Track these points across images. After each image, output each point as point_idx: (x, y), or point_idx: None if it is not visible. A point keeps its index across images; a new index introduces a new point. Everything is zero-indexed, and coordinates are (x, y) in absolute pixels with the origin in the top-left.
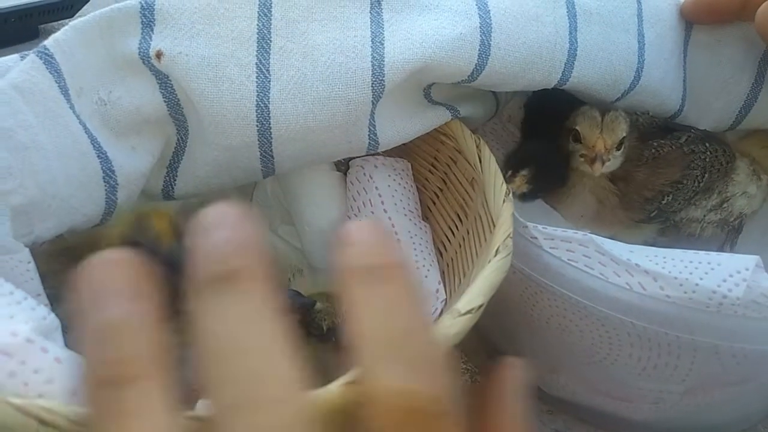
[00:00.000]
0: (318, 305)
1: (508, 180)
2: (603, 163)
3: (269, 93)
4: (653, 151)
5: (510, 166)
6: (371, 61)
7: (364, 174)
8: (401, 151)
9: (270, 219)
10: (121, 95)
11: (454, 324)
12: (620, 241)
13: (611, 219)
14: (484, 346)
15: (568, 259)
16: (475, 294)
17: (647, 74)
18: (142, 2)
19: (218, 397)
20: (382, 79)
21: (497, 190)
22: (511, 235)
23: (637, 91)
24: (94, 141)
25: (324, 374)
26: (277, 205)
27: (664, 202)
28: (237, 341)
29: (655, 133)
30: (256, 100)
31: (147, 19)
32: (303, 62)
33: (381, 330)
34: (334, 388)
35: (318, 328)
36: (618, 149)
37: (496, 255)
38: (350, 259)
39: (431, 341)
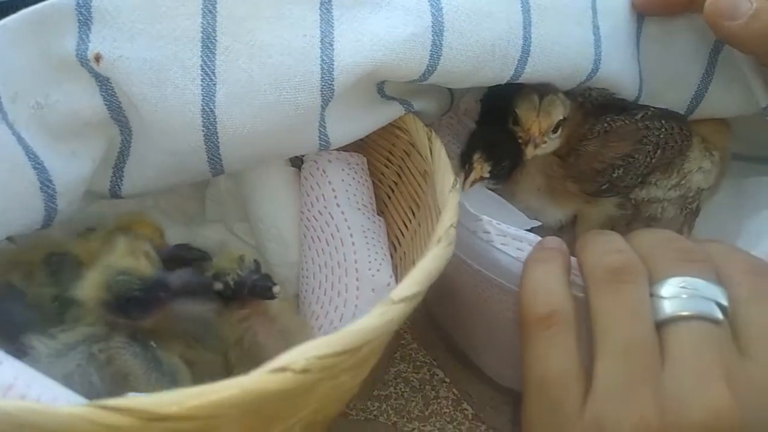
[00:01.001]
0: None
1: (468, 172)
2: (536, 146)
3: (215, 97)
4: (605, 125)
5: (464, 159)
6: (320, 65)
7: (318, 169)
8: (356, 145)
9: (224, 216)
10: (59, 99)
11: (386, 312)
12: (582, 218)
13: (562, 191)
14: (442, 339)
15: (517, 257)
16: (410, 282)
17: (605, 65)
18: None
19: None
20: (331, 83)
21: (445, 180)
22: (454, 225)
23: (595, 81)
24: (29, 151)
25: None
26: (231, 201)
27: (614, 175)
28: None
29: (608, 107)
30: (202, 105)
31: (83, 17)
32: (250, 64)
33: None
34: (261, 375)
35: (227, 294)
36: (554, 132)
37: (437, 244)
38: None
39: None
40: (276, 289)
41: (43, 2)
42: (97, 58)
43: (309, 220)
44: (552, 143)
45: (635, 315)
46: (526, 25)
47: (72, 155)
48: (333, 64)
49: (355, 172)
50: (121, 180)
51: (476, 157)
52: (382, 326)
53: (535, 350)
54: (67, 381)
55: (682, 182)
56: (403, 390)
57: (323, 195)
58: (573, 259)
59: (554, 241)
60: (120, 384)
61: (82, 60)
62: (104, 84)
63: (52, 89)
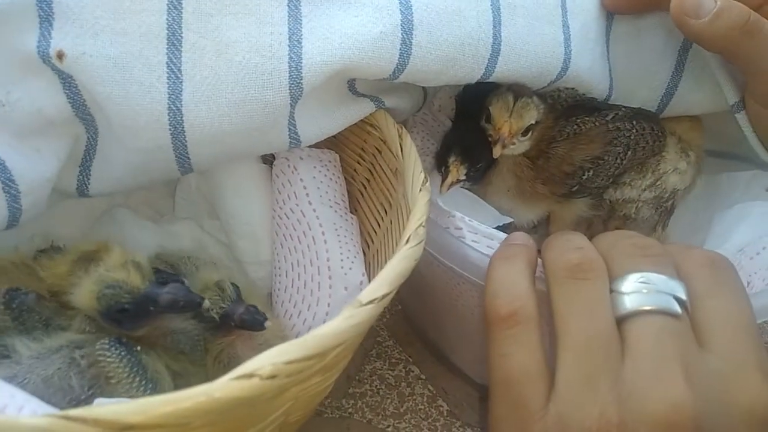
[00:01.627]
0: (205, 303)
1: (444, 175)
2: (504, 146)
3: (181, 96)
4: (575, 127)
5: (440, 162)
6: (288, 62)
7: (289, 166)
8: (329, 142)
9: (195, 214)
10: (21, 96)
11: (355, 315)
12: (554, 218)
13: (532, 193)
14: (418, 337)
15: (488, 254)
16: (379, 283)
17: (575, 64)
18: None
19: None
20: (300, 82)
21: (415, 178)
22: (423, 224)
23: (565, 81)
24: None
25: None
26: (201, 199)
27: (584, 177)
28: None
29: (578, 108)
30: (168, 103)
31: (44, 12)
32: (217, 61)
33: None
34: (227, 382)
35: (211, 320)
36: (524, 135)
37: (406, 244)
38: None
39: None
40: (267, 323)
41: None
42: (60, 56)
43: (281, 218)
44: (521, 145)
45: (594, 311)
46: (496, 23)
47: (36, 154)
48: (301, 63)
49: (327, 170)
50: (89, 179)
51: (452, 160)
52: (350, 329)
53: (499, 349)
54: (47, 384)
55: (658, 183)
56: (378, 387)
57: (295, 192)
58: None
59: (520, 237)
60: (102, 387)
61: (44, 57)
62: (68, 81)
63: (13, 87)
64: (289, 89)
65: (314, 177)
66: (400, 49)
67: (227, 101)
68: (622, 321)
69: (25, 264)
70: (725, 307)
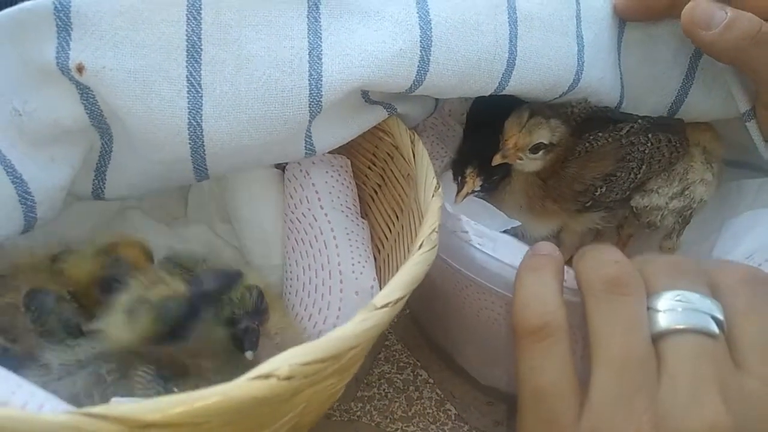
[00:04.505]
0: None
1: (460, 186)
2: (504, 156)
3: (201, 110)
4: (587, 144)
5: (456, 171)
6: (308, 80)
7: (301, 171)
8: (340, 148)
9: (207, 217)
10: (38, 107)
11: (369, 318)
12: (567, 229)
13: (541, 210)
14: (426, 340)
15: (494, 256)
16: (393, 288)
17: (587, 75)
18: (56, 2)
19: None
20: (320, 99)
21: (428, 184)
22: (436, 230)
23: (576, 91)
24: (6, 164)
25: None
26: (214, 203)
27: (597, 193)
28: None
29: (592, 123)
30: (188, 118)
31: (62, 22)
32: (236, 76)
33: None
34: (244, 382)
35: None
36: (534, 152)
37: (419, 249)
38: None
39: None
40: (249, 354)
41: (19, 5)
42: (80, 69)
43: (293, 222)
44: (531, 163)
45: (632, 327)
46: (512, 37)
47: (50, 162)
48: (321, 80)
49: (339, 175)
50: (104, 183)
51: (469, 171)
52: (365, 332)
53: (529, 361)
54: (73, 401)
55: (686, 192)
56: (386, 391)
57: (307, 197)
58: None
59: (546, 247)
60: None
61: (63, 69)
62: (85, 92)
63: (30, 96)
64: (309, 106)
65: (326, 182)
66: (418, 66)
67: (247, 117)
68: (657, 339)
69: (43, 266)
70: (764, 325)
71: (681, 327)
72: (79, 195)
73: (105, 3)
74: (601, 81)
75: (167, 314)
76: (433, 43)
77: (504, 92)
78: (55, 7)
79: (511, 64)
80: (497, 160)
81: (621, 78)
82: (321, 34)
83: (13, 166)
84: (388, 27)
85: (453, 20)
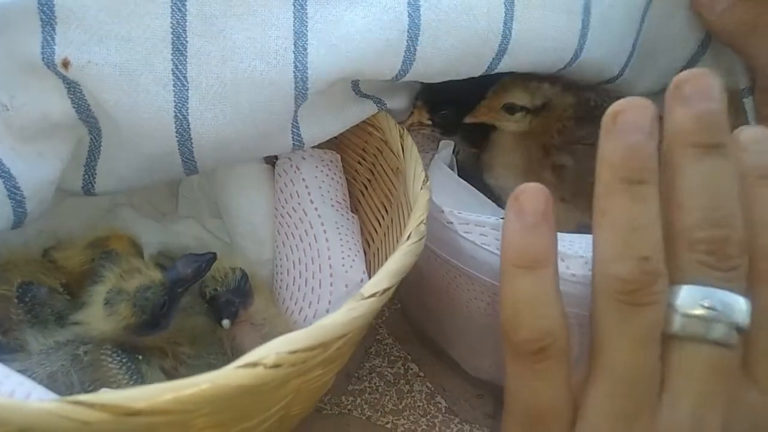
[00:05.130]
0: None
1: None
2: (474, 116)
3: (188, 103)
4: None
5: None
6: (294, 72)
7: (291, 166)
8: (330, 143)
9: (197, 212)
10: (25, 102)
11: (357, 307)
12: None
13: (541, 173)
14: (417, 334)
15: (481, 243)
16: (381, 278)
17: (587, 51)
18: None
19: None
20: (305, 91)
21: (416, 177)
22: (424, 221)
23: (573, 67)
24: None
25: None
26: (204, 198)
27: None
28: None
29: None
30: (174, 111)
31: (46, 16)
32: (222, 68)
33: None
34: (232, 370)
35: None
36: (510, 113)
37: (407, 240)
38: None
39: None
40: (225, 323)
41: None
42: (65, 64)
43: (283, 217)
44: (511, 124)
45: (641, 343)
46: (508, 19)
47: (39, 156)
48: (307, 72)
49: (329, 169)
50: (94, 178)
51: (417, 103)
52: (352, 321)
53: (523, 380)
54: (51, 379)
55: None
56: (377, 384)
57: (297, 192)
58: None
59: (538, 197)
60: (102, 387)
61: (49, 64)
62: (72, 86)
63: (17, 91)
64: (294, 98)
65: (316, 177)
66: (404, 57)
67: (233, 110)
68: (667, 338)
69: (36, 259)
70: None
71: (696, 336)
72: (69, 190)
73: None
74: (603, 56)
75: (145, 303)
76: (421, 32)
77: (494, 72)
78: (39, 1)
79: (503, 47)
80: (468, 119)
81: (635, 42)
82: (307, 22)
83: (1, 161)
84: (375, 14)
85: (444, 5)
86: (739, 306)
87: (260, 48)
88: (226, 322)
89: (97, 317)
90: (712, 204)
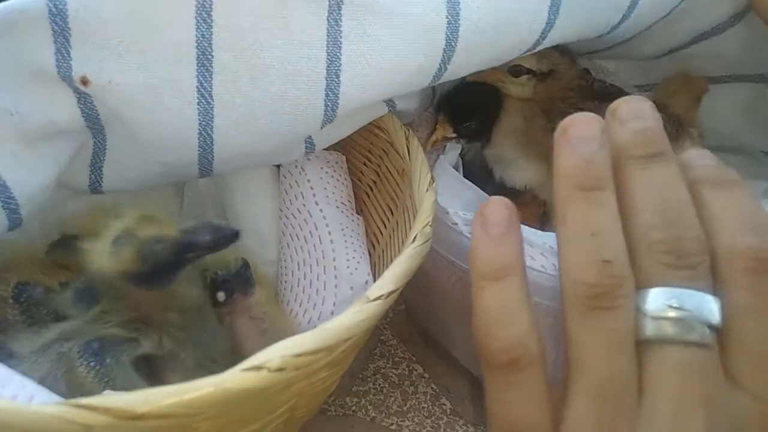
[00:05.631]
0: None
1: (431, 132)
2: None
3: (213, 122)
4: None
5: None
6: (324, 99)
7: (297, 167)
8: (336, 144)
9: (202, 213)
10: (32, 108)
11: (362, 310)
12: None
13: (539, 143)
14: (421, 334)
15: None
16: (386, 280)
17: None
18: (50, 6)
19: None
20: (333, 116)
21: (422, 179)
22: (430, 224)
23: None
24: None
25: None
26: (209, 198)
27: None
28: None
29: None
30: (199, 129)
31: (59, 27)
32: (251, 89)
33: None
34: (236, 373)
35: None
36: (515, 75)
37: (413, 242)
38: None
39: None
40: (220, 295)
41: (8, 4)
42: (84, 82)
43: (287, 218)
44: (516, 88)
45: (614, 347)
46: (548, 28)
47: (38, 159)
48: (338, 101)
49: (334, 171)
50: (101, 178)
51: (440, 118)
52: (357, 324)
53: (498, 393)
54: (42, 383)
55: None
56: (382, 386)
57: (302, 193)
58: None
59: (501, 210)
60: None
61: (66, 78)
62: (83, 96)
63: (24, 98)
64: (322, 122)
65: (321, 178)
66: (434, 76)
67: (259, 129)
68: (641, 344)
69: (39, 258)
70: (764, 331)
71: (670, 338)
72: (76, 188)
73: (106, 5)
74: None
75: (149, 255)
76: (456, 52)
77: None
78: (50, 11)
79: (543, 36)
80: (471, 77)
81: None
82: (341, 42)
83: None
84: (411, 35)
85: (484, 23)
86: (708, 304)
87: (291, 70)
88: (220, 294)
89: (102, 252)
90: (664, 205)
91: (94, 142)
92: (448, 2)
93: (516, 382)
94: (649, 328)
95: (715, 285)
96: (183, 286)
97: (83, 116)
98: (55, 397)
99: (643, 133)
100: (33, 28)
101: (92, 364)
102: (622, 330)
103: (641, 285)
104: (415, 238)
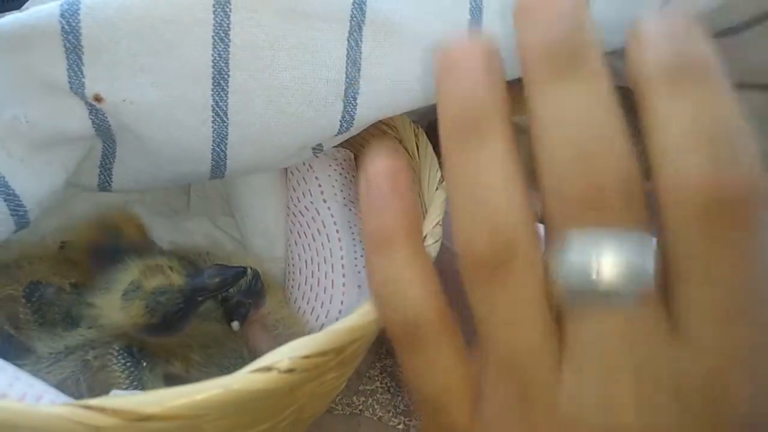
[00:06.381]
0: (248, 271)
1: None
2: None
3: (227, 139)
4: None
5: None
6: (340, 120)
7: (304, 164)
8: (344, 141)
9: (209, 210)
10: (43, 118)
11: (371, 311)
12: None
13: None
14: None
15: None
16: None
17: None
18: (63, 23)
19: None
20: (347, 131)
21: (431, 177)
22: (440, 223)
23: None
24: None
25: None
26: (216, 196)
27: None
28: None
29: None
30: (213, 146)
31: (71, 44)
32: (267, 109)
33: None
34: (245, 375)
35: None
36: None
37: (423, 241)
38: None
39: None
40: (234, 324)
41: (20, 18)
42: (98, 99)
43: (295, 216)
44: None
45: (521, 316)
46: None
47: (46, 165)
48: (353, 122)
49: (342, 168)
50: (110, 178)
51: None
52: (366, 325)
53: (410, 370)
54: (61, 387)
55: None
56: (389, 385)
57: (310, 190)
58: None
59: (382, 174)
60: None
61: (78, 94)
62: (95, 110)
63: (35, 108)
64: (335, 135)
65: (329, 175)
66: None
67: (273, 147)
68: (559, 309)
69: (50, 255)
70: (723, 287)
71: (590, 300)
72: (85, 187)
73: (121, 24)
74: None
75: (157, 307)
76: None
77: None
78: (63, 28)
79: None
80: None
81: None
82: (360, 64)
83: (6, 182)
84: (429, 59)
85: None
86: (633, 248)
87: (309, 91)
88: (235, 324)
89: (112, 306)
90: (579, 136)
91: (104, 146)
92: (471, 22)
93: (422, 359)
94: (563, 292)
95: (657, 228)
96: (202, 324)
97: (94, 127)
98: (63, 398)
99: (553, 40)
100: (45, 44)
101: (128, 364)
102: (527, 300)
103: (552, 236)
104: (425, 238)
